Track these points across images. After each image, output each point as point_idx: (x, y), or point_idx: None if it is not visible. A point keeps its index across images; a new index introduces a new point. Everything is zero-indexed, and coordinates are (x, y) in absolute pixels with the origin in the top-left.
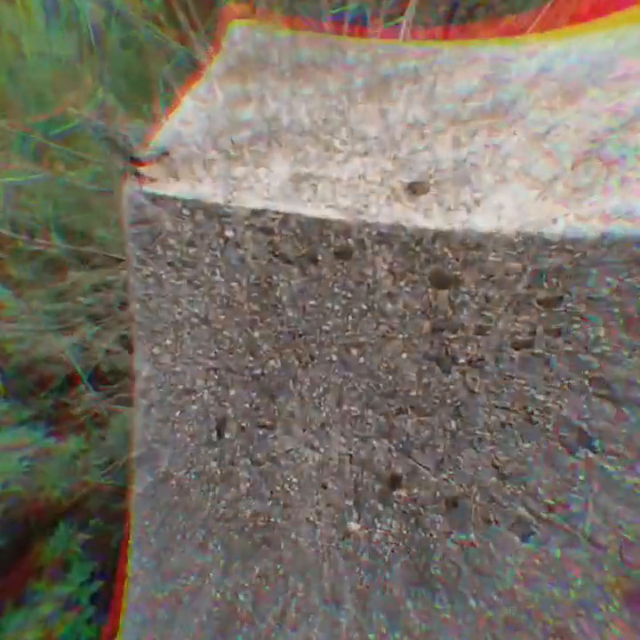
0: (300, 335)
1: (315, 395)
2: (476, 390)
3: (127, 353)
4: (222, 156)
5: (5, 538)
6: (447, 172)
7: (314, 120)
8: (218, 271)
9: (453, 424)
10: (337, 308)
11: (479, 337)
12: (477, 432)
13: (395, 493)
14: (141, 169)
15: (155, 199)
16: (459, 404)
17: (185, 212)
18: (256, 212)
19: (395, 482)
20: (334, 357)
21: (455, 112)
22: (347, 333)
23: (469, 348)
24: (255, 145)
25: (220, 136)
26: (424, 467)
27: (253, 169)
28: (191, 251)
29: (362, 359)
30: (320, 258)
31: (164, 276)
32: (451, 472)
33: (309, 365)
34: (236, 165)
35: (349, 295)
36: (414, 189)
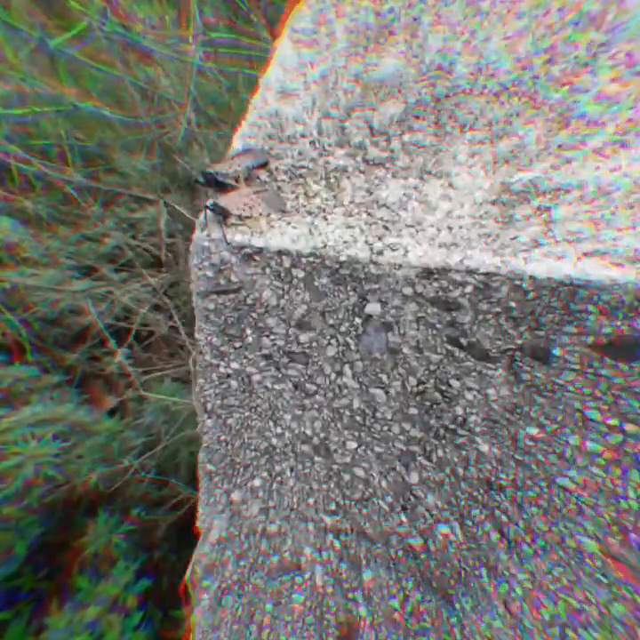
0: (501, 488)
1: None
2: None
3: (154, 311)
4: (355, 157)
5: (43, 528)
6: None
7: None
8: (348, 369)
9: None
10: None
11: None
12: None
13: None
14: (222, 199)
15: (246, 255)
16: None
17: (296, 273)
18: (428, 273)
19: None
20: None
21: None
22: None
23: None
24: (413, 124)
25: (351, 110)
26: None
27: (417, 182)
28: (304, 336)
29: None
30: (560, 354)
31: (255, 377)
32: None
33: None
34: (381, 175)
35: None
36: None
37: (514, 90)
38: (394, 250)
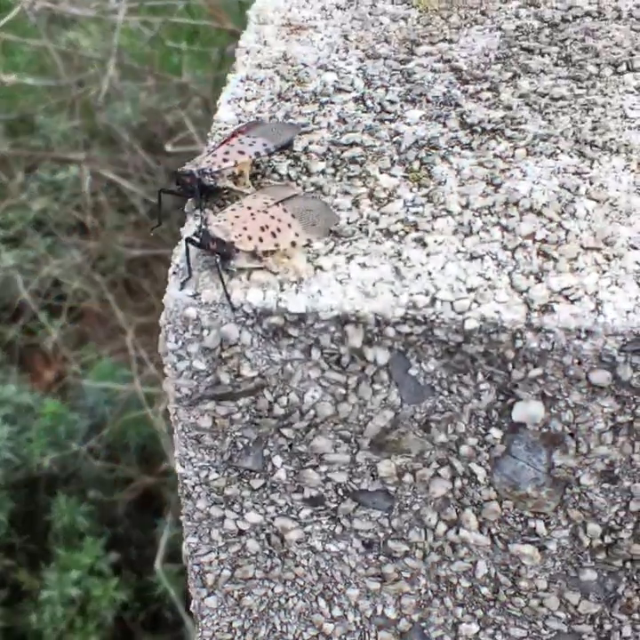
0: None
1: None
2: None
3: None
4: (446, 121)
5: (13, 504)
6: None
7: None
8: (472, 516)
9: None
10: None
11: None
12: None
13: None
14: (217, 221)
15: (273, 328)
16: None
17: (373, 355)
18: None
19: None
20: None
21: None
22: None
23: None
24: (527, 62)
25: (412, 43)
26: None
27: (577, 162)
28: (386, 465)
29: None
30: None
31: (293, 534)
32: None
33: None
34: (505, 152)
35: None
36: None
37: None
38: (572, 300)
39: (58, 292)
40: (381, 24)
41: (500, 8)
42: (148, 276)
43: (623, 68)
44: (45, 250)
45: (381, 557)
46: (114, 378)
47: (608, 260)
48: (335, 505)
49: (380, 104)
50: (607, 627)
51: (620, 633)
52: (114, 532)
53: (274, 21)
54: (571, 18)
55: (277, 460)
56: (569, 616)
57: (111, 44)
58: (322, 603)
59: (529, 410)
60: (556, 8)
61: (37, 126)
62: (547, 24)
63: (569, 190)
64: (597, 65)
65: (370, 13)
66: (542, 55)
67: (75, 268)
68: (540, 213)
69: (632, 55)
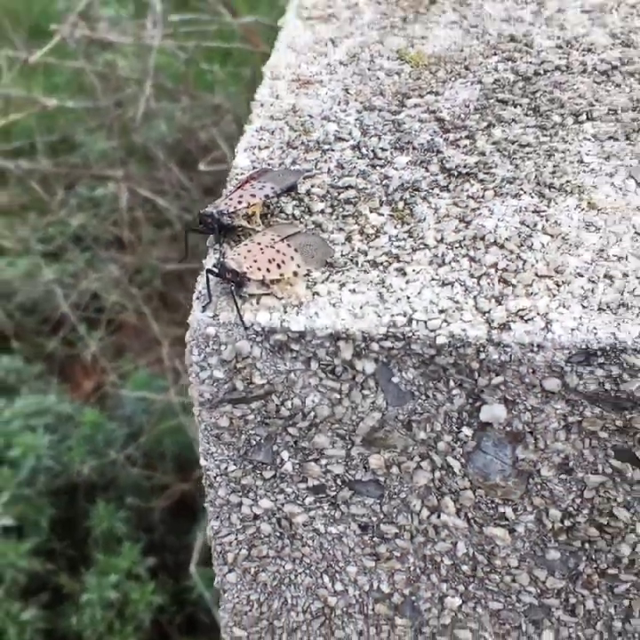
0: None
1: None
2: None
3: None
4: (428, 166)
5: (54, 510)
6: None
7: None
8: (451, 502)
9: None
10: None
11: None
12: None
13: None
14: (233, 255)
15: (278, 343)
16: None
17: (363, 366)
18: (587, 355)
19: None
20: None
21: None
22: None
23: None
24: (501, 113)
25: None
26: None
27: (537, 202)
28: (376, 459)
29: None
30: None
31: (299, 518)
32: None
33: None
34: (476, 193)
35: None
36: None
37: (627, 69)
38: (526, 320)
39: (96, 305)
40: (378, 78)
41: (481, 62)
42: (183, 289)
43: (583, 117)
44: (84, 264)
45: (375, 538)
46: (150, 388)
47: (558, 285)
48: (334, 493)
49: (373, 151)
50: (572, 600)
51: (584, 606)
52: (150, 537)
53: (285, 77)
54: (542, 71)
55: (285, 455)
56: (538, 591)
57: (147, 64)
58: (326, 579)
59: (494, 411)
60: (531, 62)
61: (77, 145)
62: (521, 77)
63: (528, 226)
64: (561, 115)
65: (368, 69)
66: (515, 106)
67: (112, 281)
68: (502, 246)
69: (592, 106)
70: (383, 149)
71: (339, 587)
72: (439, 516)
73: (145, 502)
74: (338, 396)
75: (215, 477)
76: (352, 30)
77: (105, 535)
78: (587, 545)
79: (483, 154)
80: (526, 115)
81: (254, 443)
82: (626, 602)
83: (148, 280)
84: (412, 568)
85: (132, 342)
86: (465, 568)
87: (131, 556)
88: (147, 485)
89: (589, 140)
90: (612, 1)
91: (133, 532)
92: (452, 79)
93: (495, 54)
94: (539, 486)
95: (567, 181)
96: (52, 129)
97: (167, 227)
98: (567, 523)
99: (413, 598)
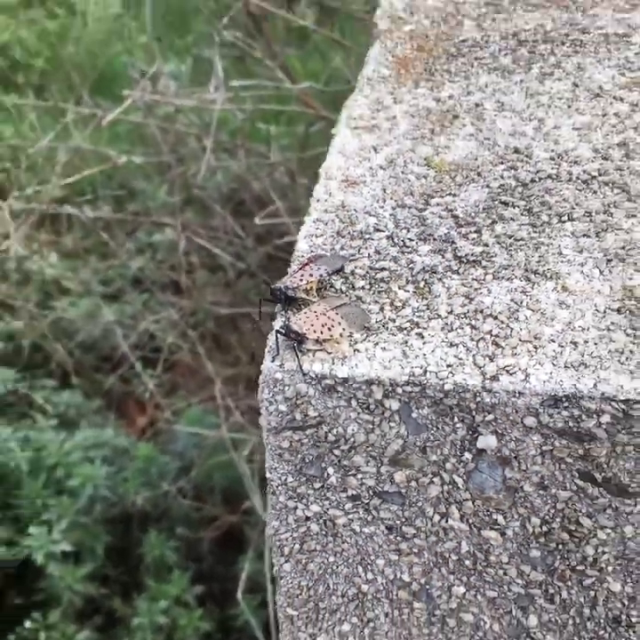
0: (630, 625)
1: None
2: None
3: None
4: (444, 254)
5: (109, 538)
6: None
7: None
8: (456, 510)
9: None
10: None
11: None
12: None
13: None
14: (295, 319)
15: (327, 386)
16: None
17: (389, 404)
18: (555, 400)
19: None
20: None
21: None
22: None
23: None
24: (502, 212)
25: (428, 197)
26: None
27: (524, 285)
28: (399, 475)
29: None
30: None
31: (340, 520)
32: None
33: None
34: (480, 276)
35: None
36: None
37: (602, 179)
38: (511, 373)
39: (152, 345)
40: (409, 181)
41: (490, 170)
42: (235, 332)
43: (565, 217)
44: (142, 305)
45: (398, 537)
46: (202, 424)
47: (536, 348)
48: (367, 501)
49: (402, 240)
50: (551, 591)
51: (560, 595)
52: (199, 566)
53: (336, 177)
54: (537, 179)
55: (330, 470)
56: (524, 582)
57: (206, 120)
58: (360, 569)
59: (487, 441)
60: (529, 171)
61: (137, 192)
62: (520, 183)
63: (516, 303)
64: (549, 215)
65: (402, 172)
66: (514, 207)
67: (169, 323)
68: (496, 318)
69: (573, 208)
70: (410, 239)
71: (370, 576)
72: (447, 521)
73: (194, 533)
74: (371, 426)
75: (277, 487)
76: (390, 139)
77: (156, 563)
78: (560, 546)
79: (486, 245)
80: (522, 214)
81: (307, 460)
82: (592, 592)
83: (202, 322)
84: (426, 562)
85: (186, 380)
86: (467, 563)
87: (180, 583)
88: (196, 517)
89: (568, 236)
90: (597, 120)
91: (183, 560)
92: (467, 183)
93: (502, 163)
94: (522, 499)
95: (548, 269)
96: (111, 176)
97: (221, 272)
98: (545, 528)
99: (428, 586)
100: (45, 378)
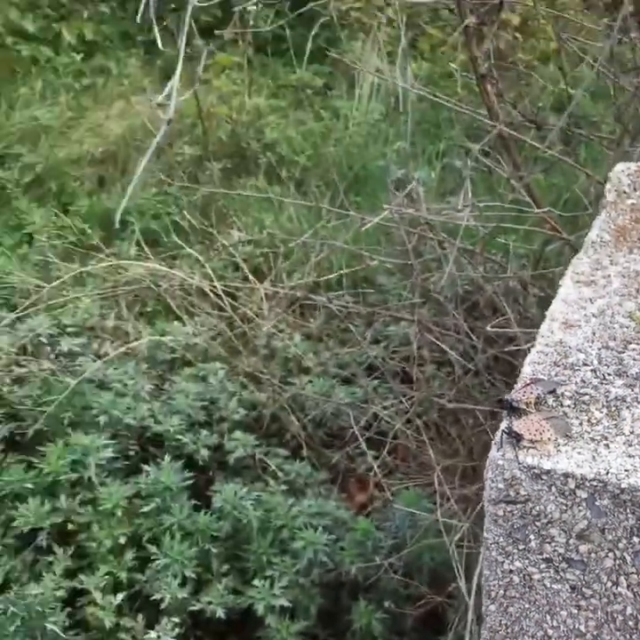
0: None
1: None
2: None
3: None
4: (633, 388)
5: (322, 600)
6: None
7: None
8: (623, 580)
9: None
10: None
11: None
12: None
13: None
14: (516, 424)
15: (535, 474)
16: None
17: (579, 493)
18: None
19: None
20: None
21: None
22: None
23: None
24: None
25: (627, 343)
26: None
27: None
28: (583, 547)
29: None
30: None
31: (536, 576)
32: None
33: None
34: None
35: None
36: None
37: None
38: None
39: (378, 428)
40: (614, 329)
41: None
42: (456, 424)
43: None
44: (372, 391)
45: (579, 596)
46: (418, 506)
47: None
48: (558, 564)
49: (603, 374)
50: None
51: None
52: None
53: (558, 319)
54: None
55: (532, 537)
56: None
57: (451, 231)
58: (547, 617)
59: None
60: None
61: (378, 286)
62: None
63: None
64: None
65: (609, 322)
66: None
67: (397, 409)
68: None
69: None
70: (609, 374)
71: (555, 623)
72: (617, 588)
73: (400, 608)
74: (564, 508)
75: (491, 544)
76: (604, 293)
77: (362, 631)
78: None
79: None
80: None
81: (515, 527)
82: None
83: (427, 411)
84: (599, 618)
85: (407, 464)
86: (630, 623)
87: None
88: (404, 593)
89: None
90: None
91: (387, 633)
92: None
93: None
94: None
95: None
96: (351, 264)
97: (448, 367)
98: None
99: (599, 638)
100: (280, 447)
